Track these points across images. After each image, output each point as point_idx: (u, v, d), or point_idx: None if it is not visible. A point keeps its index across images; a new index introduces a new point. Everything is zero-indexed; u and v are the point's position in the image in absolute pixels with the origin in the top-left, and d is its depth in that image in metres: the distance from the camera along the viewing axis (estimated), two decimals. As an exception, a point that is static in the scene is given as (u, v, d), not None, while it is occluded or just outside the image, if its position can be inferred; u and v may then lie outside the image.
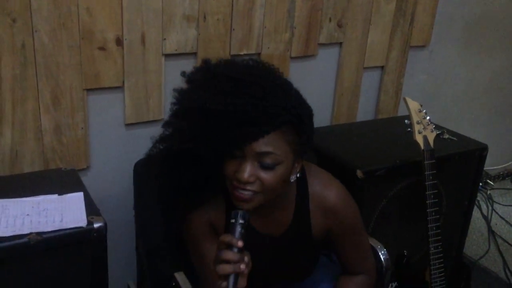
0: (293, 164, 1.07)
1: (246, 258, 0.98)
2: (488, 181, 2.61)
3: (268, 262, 1.22)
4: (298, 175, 1.12)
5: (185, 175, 1.10)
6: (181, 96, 1.07)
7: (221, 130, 0.98)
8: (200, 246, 1.18)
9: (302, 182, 1.18)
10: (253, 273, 1.04)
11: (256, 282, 1.09)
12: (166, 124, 1.12)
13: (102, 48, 1.50)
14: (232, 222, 1.00)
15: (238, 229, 0.99)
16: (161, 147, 1.14)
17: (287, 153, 1.03)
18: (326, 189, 1.20)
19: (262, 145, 1.00)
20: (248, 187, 1.02)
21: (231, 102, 0.96)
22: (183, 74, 1.11)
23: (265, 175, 1.02)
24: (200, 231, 1.19)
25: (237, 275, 0.96)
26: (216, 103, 0.97)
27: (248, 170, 1.01)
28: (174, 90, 1.09)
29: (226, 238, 0.98)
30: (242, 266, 0.96)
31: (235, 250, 0.96)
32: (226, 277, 0.95)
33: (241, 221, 1.00)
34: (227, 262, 0.96)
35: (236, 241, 0.97)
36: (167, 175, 1.15)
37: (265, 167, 1.02)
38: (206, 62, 1.11)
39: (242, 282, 0.98)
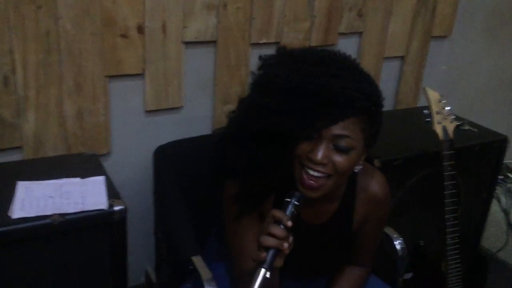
0: (361, 154, 1.09)
1: (290, 239, 0.99)
2: (509, 174, 2.57)
3: (304, 250, 1.19)
4: (360, 167, 1.12)
5: (257, 154, 1.09)
6: (268, 77, 1.07)
7: (307, 110, 1.00)
8: (241, 223, 1.18)
9: (353, 174, 1.17)
10: (287, 259, 1.05)
11: (288, 268, 1.09)
12: (247, 103, 1.11)
13: (124, 36, 1.52)
14: (287, 201, 1.01)
15: (291, 209, 1.01)
16: (236, 125, 1.13)
17: (360, 141, 1.05)
18: (372, 179, 1.22)
19: (340, 128, 1.01)
20: (320, 168, 1.03)
21: (321, 84, 0.99)
22: (260, 57, 1.14)
23: (339, 158, 1.03)
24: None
25: (277, 251, 0.96)
26: (307, 83, 1.00)
27: (322, 151, 1.02)
28: (258, 70, 1.12)
29: (278, 213, 0.99)
30: (286, 245, 0.97)
31: (282, 227, 0.98)
32: (266, 249, 0.96)
33: (295, 202, 1.01)
34: (273, 236, 0.97)
35: (287, 219, 0.98)
36: (235, 155, 1.11)
37: (340, 150, 1.03)
38: (284, 47, 1.15)
39: (280, 261, 0.98)
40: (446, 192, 1.56)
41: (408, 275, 1.74)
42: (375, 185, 1.23)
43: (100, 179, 1.29)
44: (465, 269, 1.68)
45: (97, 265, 1.25)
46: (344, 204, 1.22)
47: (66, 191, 1.22)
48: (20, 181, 1.24)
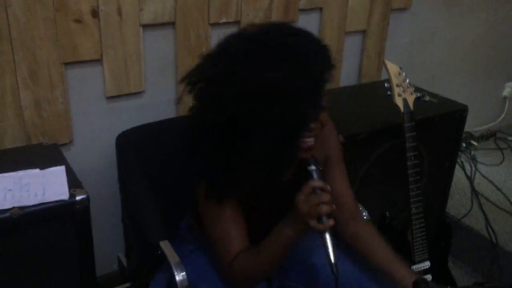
0: None
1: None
2: (472, 142, 2.64)
3: (277, 208, 1.20)
4: None
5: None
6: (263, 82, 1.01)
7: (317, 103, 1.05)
8: (225, 210, 1.18)
9: None
10: (263, 220, 1.15)
11: (263, 228, 1.16)
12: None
13: (78, 21, 1.48)
14: (313, 169, 1.09)
15: (319, 174, 1.09)
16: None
17: None
18: None
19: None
20: (312, 133, 1.09)
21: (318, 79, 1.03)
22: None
23: (322, 116, 1.10)
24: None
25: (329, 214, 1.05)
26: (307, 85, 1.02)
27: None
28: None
29: (318, 183, 1.07)
30: (334, 206, 1.05)
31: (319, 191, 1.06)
32: (320, 217, 1.04)
33: (320, 167, 1.10)
34: (324, 203, 1.04)
35: (326, 186, 1.07)
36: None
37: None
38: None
39: (331, 221, 1.06)
40: (408, 163, 1.60)
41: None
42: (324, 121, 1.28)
43: (61, 169, 1.27)
44: (430, 237, 1.73)
45: (64, 255, 1.24)
46: None
47: (25, 183, 1.20)
48: (-23, 176, 1.21)
